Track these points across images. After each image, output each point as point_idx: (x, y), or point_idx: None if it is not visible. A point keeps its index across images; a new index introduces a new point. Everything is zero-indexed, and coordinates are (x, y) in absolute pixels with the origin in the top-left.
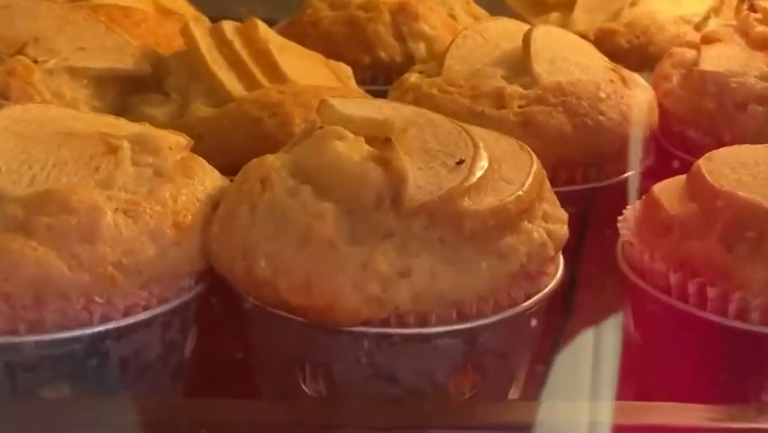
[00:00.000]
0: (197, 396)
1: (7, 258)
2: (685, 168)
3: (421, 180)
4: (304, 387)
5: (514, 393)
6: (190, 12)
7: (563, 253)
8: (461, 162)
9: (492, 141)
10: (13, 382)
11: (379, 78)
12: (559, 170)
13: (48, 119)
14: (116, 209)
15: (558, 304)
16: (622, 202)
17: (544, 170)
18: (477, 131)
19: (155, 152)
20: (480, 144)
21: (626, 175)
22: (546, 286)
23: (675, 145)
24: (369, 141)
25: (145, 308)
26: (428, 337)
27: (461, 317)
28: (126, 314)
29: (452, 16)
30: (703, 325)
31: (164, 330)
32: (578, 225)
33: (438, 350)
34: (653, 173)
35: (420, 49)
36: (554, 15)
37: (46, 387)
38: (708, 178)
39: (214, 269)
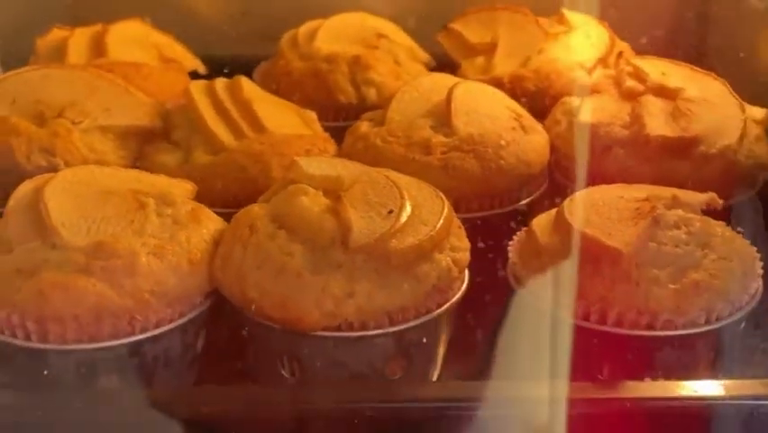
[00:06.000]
0: (208, 381)
1: (76, 292)
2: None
3: (362, 227)
4: (282, 372)
5: (433, 375)
6: (188, 58)
7: (471, 268)
8: (391, 212)
9: (416, 189)
10: (80, 377)
11: (339, 116)
12: (472, 202)
13: (91, 180)
14: (148, 253)
15: (464, 308)
16: (517, 224)
17: (453, 212)
18: (405, 182)
19: (172, 204)
20: (406, 196)
21: (523, 202)
22: (454, 296)
23: (564, 176)
24: (326, 193)
25: (170, 321)
26: (369, 338)
27: (392, 323)
28: (157, 325)
29: (398, 63)
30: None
31: (183, 335)
32: (484, 243)
33: (376, 346)
34: (548, 198)
35: (371, 93)
36: (480, 59)
37: (102, 378)
38: (567, 217)
39: (218, 290)
